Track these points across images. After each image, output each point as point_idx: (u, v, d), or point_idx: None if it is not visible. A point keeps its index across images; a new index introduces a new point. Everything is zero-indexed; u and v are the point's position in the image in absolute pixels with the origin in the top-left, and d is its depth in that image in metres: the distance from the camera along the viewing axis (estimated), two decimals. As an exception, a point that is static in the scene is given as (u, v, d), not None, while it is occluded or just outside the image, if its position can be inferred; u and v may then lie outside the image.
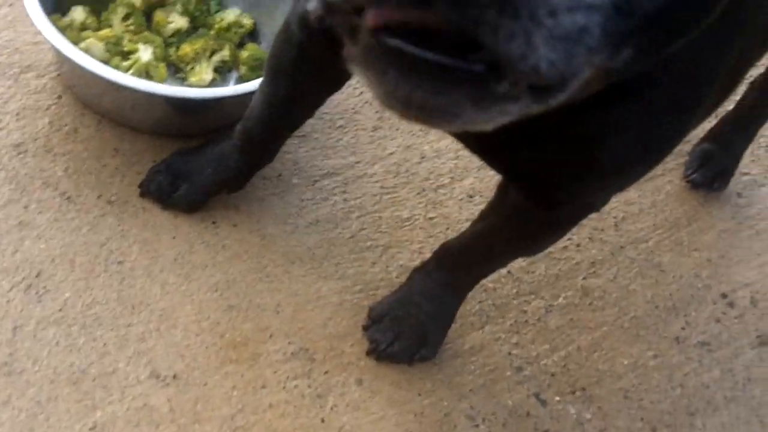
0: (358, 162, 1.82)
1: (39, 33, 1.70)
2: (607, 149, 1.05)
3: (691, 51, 0.92)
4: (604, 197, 1.29)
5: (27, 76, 1.74)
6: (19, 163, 1.62)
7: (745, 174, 2.05)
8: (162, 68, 1.72)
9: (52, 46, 1.56)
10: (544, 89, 0.66)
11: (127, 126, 1.71)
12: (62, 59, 1.65)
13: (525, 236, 1.37)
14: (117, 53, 1.69)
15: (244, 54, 1.83)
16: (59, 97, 1.72)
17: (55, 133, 1.67)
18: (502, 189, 1.35)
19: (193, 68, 1.79)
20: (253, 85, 1.63)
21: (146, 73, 1.70)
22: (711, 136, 1.98)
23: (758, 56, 1.22)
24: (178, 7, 1.85)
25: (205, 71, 1.79)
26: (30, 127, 1.67)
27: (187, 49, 1.78)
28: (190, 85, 1.77)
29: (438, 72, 0.62)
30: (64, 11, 1.75)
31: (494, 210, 1.39)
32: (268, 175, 1.74)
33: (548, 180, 1.16)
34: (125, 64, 1.68)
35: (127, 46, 1.70)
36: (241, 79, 1.82)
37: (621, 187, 1.23)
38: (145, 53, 1.70)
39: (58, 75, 1.75)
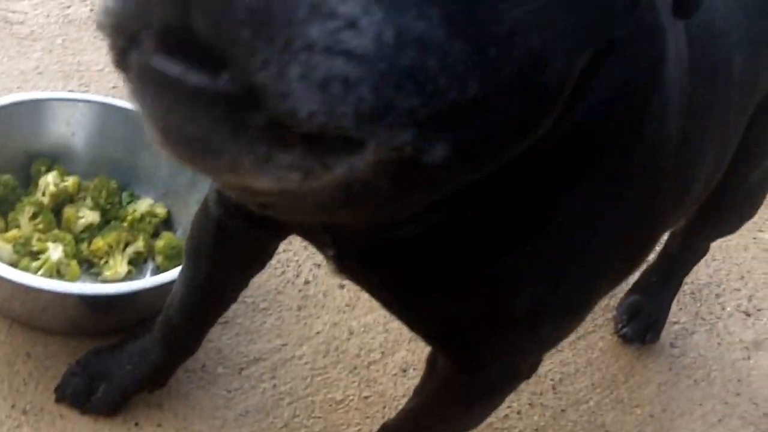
0: (285, 344, 1.76)
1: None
2: (513, 297, 1.00)
3: (590, 199, 0.91)
4: (530, 358, 1.24)
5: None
6: None
7: (675, 323, 2.04)
8: (74, 266, 1.66)
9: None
10: (325, 149, 0.60)
11: (39, 329, 1.62)
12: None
13: (459, 408, 1.31)
14: (26, 254, 1.63)
15: (160, 243, 1.78)
16: (-34, 305, 1.63)
17: (-39, 342, 1.58)
18: (431, 360, 1.31)
19: (107, 262, 1.73)
20: (171, 275, 1.58)
21: (57, 272, 1.64)
22: (637, 287, 1.98)
23: (674, 221, 1.22)
24: (88, 201, 1.80)
25: (119, 264, 1.73)
26: (-66, 338, 1.57)
27: (99, 243, 1.73)
28: (105, 280, 1.71)
29: (194, 96, 0.56)
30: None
31: (426, 384, 1.34)
32: (191, 367, 1.66)
33: (463, 335, 1.11)
34: (35, 264, 1.62)
35: (36, 246, 1.64)
36: (158, 270, 1.76)
37: (542, 344, 1.18)
38: (55, 252, 1.64)
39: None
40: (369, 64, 0.55)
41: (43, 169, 1.82)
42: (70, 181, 1.79)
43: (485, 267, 0.96)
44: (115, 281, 1.71)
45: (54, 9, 2.43)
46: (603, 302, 1.96)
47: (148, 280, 1.60)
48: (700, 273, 2.19)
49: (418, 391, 1.37)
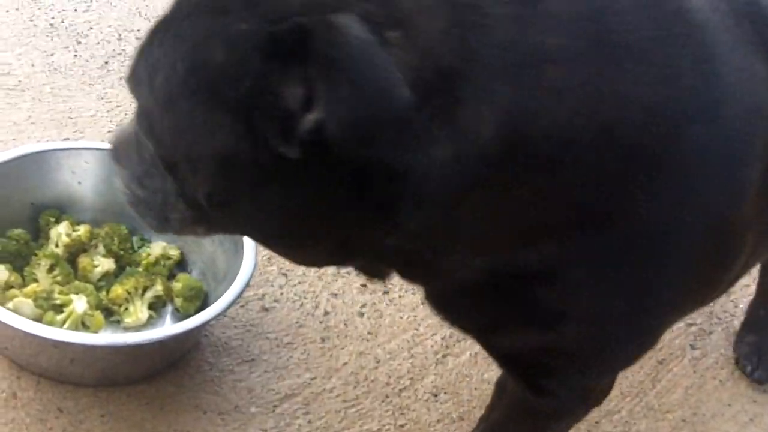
0: (314, 378, 1.74)
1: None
2: (564, 326, 1.06)
3: None
4: (597, 385, 1.25)
5: (-49, 346, 1.61)
6: (-44, 443, 1.48)
7: (691, 324, 2.06)
8: (98, 316, 1.63)
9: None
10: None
11: (68, 382, 1.59)
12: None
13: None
14: (49, 308, 1.60)
15: (178, 286, 1.75)
16: (-10, 364, 1.60)
17: (-9, 402, 1.54)
18: (500, 383, 1.30)
19: (127, 309, 1.71)
20: (199, 319, 1.58)
21: (82, 323, 1.61)
22: (750, 326, 1.98)
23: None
24: (101, 249, 1.78)
25: (140, 310, 1.71)
26: (-37, 401, 1.53)
27: (118, 290, 1.70)
28: (127, 327, 1.69)
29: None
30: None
31: (495, 408, 1.33)
32: (224, 409, 1.65)
33: (531, 361, 1.15)
34: (59, 318, 1.59)
35: (59, 299, 1.61)
36: (178, 312, 1.74)
37: (604, 369, 1.21)
38: (79, 304, 1.61)
39: (-15, 339, 1.63)
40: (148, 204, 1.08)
41: (51, 220, 1.79)
42: (82, 230, 1.76)
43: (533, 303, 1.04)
44: (136, 327, 1.69)
45: (37, 58, 2.40)
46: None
47: (176, 326, 1.58)
48: (708, 273, 2.21)
49: (485, 417, 1.36)
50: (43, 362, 1.56)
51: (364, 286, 1.95)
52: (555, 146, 0.89)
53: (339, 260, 1.06)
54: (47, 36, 2.48)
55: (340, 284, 1.94)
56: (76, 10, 2.61)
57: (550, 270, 1.00)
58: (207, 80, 0.87)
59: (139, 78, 0.95)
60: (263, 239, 1.05)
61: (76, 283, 1.67)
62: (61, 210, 1.82)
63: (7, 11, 2.55)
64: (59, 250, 1.73)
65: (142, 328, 1.69)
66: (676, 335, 2.01)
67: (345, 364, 1.79)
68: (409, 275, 1.09)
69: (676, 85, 0.95)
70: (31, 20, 2.54)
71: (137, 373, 1.63)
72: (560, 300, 1.03)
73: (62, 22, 2.55)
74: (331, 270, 1.91)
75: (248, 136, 0.85)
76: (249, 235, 1.08)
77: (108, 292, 1.71)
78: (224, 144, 0.87)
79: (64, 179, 1.83)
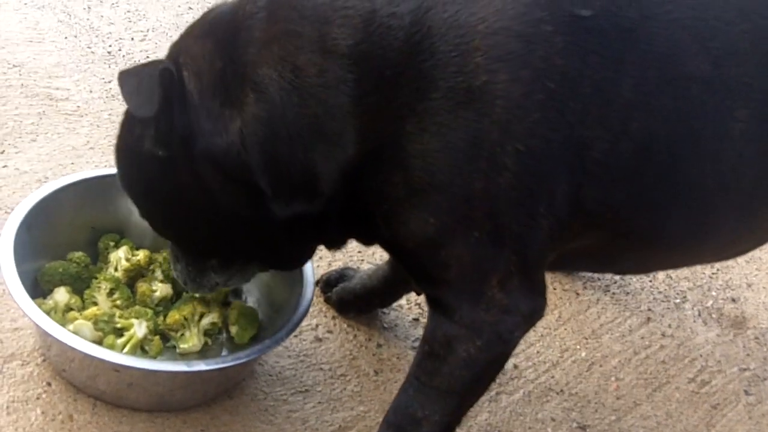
0: (367, 411, 1.74)
1: (18, 319, 1.67)
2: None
3: None
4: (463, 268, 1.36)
5: (11, 366, 1.62)
6: (15, 464, 1.48)
7: (745, 369, 2.03)
8: (157, 342, 1.64)
9: (42, 330, 1.47)
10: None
11: (124, 406, 1.60)
12: (50, 344, 1.57)
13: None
14: (110, 331, 1.61)
15: (233, 313, 1.76)
16: (48, 384, 1.61)
17: (49, 423, 1.55)
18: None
19: (182, 335, 1.71)
20: (259, 348, 1.59)
21: (141, 348, 1.62)
22: None
23: None
24: (158, 274, 1.78)
25: (195, 337, 1.71)
26: (22, 420, 1.54)
27: (175, 316, 1.71)
28: (182, 353, 1.69)
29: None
30: (45, 294, 1.67)
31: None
32: (278, 439, 1.64)
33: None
34: (120, 341, 1.60)
35: (119, 323, 1.61)
36: (232, 340, 1.75)
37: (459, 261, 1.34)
38: (140, 328, 1.62)
39: (44, 361, 1.64)
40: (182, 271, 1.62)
41: (111, 244, 1.80)
42: (141, 255, 1.77)
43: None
44: (191, 353, 1.69)
45: (96, 84, 2.43)
46: (670, 351, 1.96)
47: (236, 356, 1.57)
48: (761, 317, 2.19)
49: None
50: (101, 385, 1.57)
51: (416, 320, 1.94)
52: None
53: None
54: (105, 63, 2.51)
55: (393, 317, 1.94)
56: (132, 38, 2.65)
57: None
58: (124, 150, 1.47)
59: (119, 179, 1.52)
60: (217, 248, 1.53)
61: (137, 307, 1.67)
62: (120, 235, 1.83)
63: (66, 38, 2.59)
64: (119, 274, 1.74)
65: (196, 354, 1.70)
66: (729, 380, 1.99)
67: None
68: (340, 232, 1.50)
69: None
70: (89, 48, 2.57)
71: (193, 400, 1.63)
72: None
73: (119, 50, 2.58)
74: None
75: (145, 160, 1.40)
76: (206, 250, 1.54)
77: (165, 317, 1.72)
78: (141, 175, 1.44)
79: (124, 204, 1.83)
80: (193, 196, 1.40)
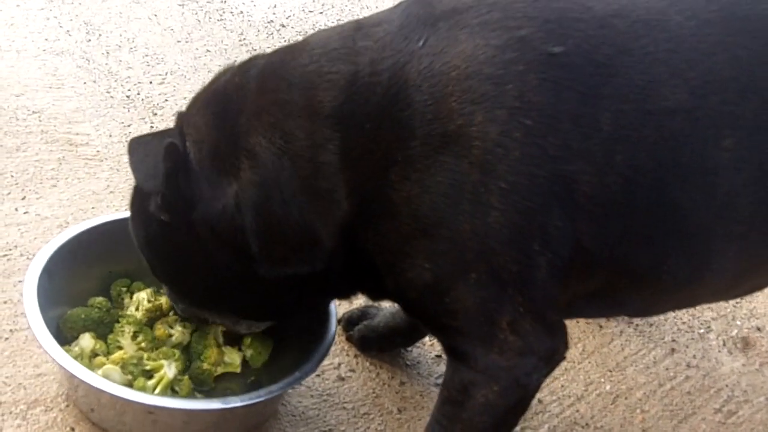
0: (392, 450, 1.73)
1: (41, 365, 1.69)
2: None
3: None
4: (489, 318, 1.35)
5: (35, 412, 1.63)
6: None
7: (772, 400, 2.01)
8: (187, 381, 1.64)
9: (74, 377, 1.48)
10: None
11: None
12: (79, 387, 1.57)
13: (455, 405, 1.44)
14: (139, 373, 1.61)
15: (247, 338, 1.78)
16: (72, 429, 1.61)
17: (73, 468, 1.55)
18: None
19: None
20: (287, 383, 1.59)
21: (171, 388, 1.63)
22: None
23: None
24: (176, 317, 1.78)
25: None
26: (46, 466, 1.54)
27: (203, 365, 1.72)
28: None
29: None
30: (68, 341, 1.67)
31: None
32: (302, 479, 1.63)
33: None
34: (151, 383, 1.60)
35: (149, 365, 1.62)
36: (247, 363, 1.77)
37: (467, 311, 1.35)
38: (170, 370, 1.63)
39: (68, 406, 1.64)
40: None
41: (123, 290, 1.81)
42: (164, 300, 1.78)
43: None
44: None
45: (115, 129, 2.46)
46: (696, 382, 1.94)
47: (269, 390, 1.58)
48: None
49: None
50: (135, 428, 1.58)
51: (439, 356, 1.94)
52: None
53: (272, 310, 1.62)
54: (124, 107, 2.54)
55: (415, 354, 1.94)
56: (151, 82, 2.67)
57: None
58: (133, 206, 1.58)
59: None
60: (199, 296, 1.62)
61: (164, 349, 1.68)
62: (136, 278, 1.84)
63: (85, 83, 2.62)
64: (139, 315, 1.74)
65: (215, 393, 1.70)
66: (756, 410, 1.98)
67: (422, 435, 1.77)
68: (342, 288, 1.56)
69: None
70: (108, 92, 2.60)
71: None
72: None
73: (138, 94, 2.61)
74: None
75: (149, 220, 1.51)
76: (192, 297, 1.64)
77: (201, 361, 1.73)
78: (145, 232, 1.55)
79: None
80: (192, 256, 1.49)
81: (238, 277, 1.49)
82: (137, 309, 1.76)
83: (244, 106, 1.40)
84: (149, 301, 1.76)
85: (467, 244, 1.29)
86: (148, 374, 1.62)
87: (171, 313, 1.80)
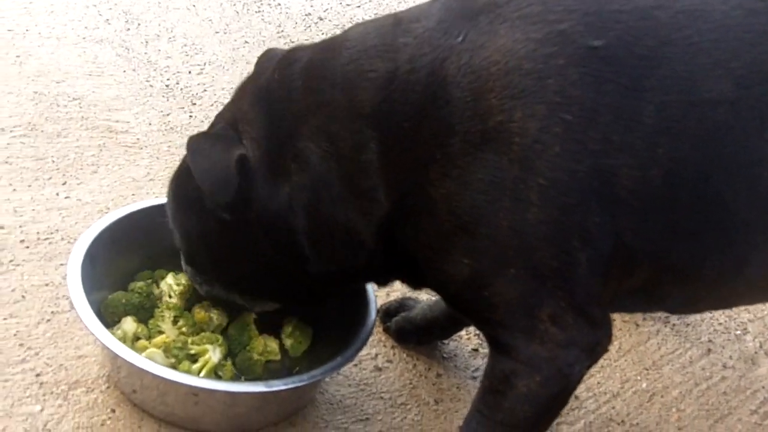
0: (428, 440, 1.73)
1: (83, 346, 1.71)
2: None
3: None
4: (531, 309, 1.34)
5: (76, 393, 1.64)
6: (82, 489, 1.49)
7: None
8: (229, 366, 1.66)
9: (115, 355, 1.49)
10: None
11: (191, 429, 1.62)
12: (120, 367, 1.59)
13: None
14: (184, 357, 1.63)
15: (287, 327, 1.80)
16: (113, 410, 1.62)
17: (114, 450, 1.56)
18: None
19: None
20: (329, 367, 1.61)
21: (215, 373, 1.64)
22: None
23: None
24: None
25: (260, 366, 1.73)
26: (88, 447, 1.55)
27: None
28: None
29: None
30: (108, 325, 1.68)
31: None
32: (340, 468, 1.64)
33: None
34: (195, 367, 1.62)
35: (193, 349, 1.63)
36: (287, 353, 1.79)
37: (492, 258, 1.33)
38: (214, 354, 1.64)
39: (108, 387, 1.65)
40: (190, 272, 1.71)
41: (149, 281, 1.81)
42: (184, 280, 1.78)
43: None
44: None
45: (155, 117, 2.47)
46: (732, 383, 1.94)
47: (311, 374, 1.59)
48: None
49: None
50: (179, 411, 1.60)
51: (476, 350, 1.94)
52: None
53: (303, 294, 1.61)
54: (163, 96, 2.55)
55: (452, 347, 1.94)
56: (190, 72, 2.69)
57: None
58: (182, 199, 1.57)
59: (170, 220, 1.63)
60: (246, 287, 1.63)
61: (208, 333, 1.69)
62: (177, 264, 1.85)
63: (124, 72, 2.64)
64: (175, 300, 1.75)
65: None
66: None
67: (459, 427, 1.76)
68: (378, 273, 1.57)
69: None
70: (148, 81, 2.62)
71: (266, 420, 1.67)
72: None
73: (177, 83, 2.62)
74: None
75: (204, 215, 1.51)
76: (238, 288, 1.64)
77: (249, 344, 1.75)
78: (196, 224, 1.55)
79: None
80: (242, 250, 1.51)
81: (285, 271, 1.51)
82: (170, 296, 1.77)
83: (292, 106, 1.41)
84: (178, 285, 1.76)
85: (506, 241, 1.29)
86: (192, 358, 1.63)
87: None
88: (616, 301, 1.44)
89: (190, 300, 1.79)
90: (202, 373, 1.61)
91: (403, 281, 1.58)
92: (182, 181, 1.57)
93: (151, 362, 1.50)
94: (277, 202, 1.43)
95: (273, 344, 1.77)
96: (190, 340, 1.65)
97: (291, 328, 1.79)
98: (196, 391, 1.51)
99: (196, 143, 1.46)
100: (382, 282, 1.62)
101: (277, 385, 1.55)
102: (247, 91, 1.50)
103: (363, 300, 1.73)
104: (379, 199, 1.37)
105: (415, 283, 1.56)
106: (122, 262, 1.80)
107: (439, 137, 1.30)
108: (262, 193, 1.43)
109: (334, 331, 1.73)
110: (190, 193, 1.52)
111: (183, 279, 1.78)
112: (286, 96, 1.42)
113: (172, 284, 1.78)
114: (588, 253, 1.30)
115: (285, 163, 1.41)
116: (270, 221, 1.45)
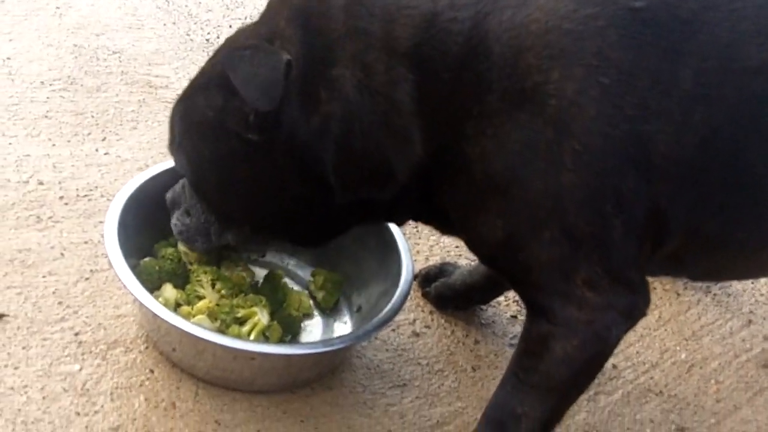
0: (465, 408, 1.72)
1: (121, 306, 1.71)
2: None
3: None
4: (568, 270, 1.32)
5: (115, 353, 1.65)
6: (121, 450, 1.50)
7: None
8: (276, 326, 1.66)
9: (155, 316, 1.51)
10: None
11: (232, 388, 1.63)
12: (158, 326, 1.60)
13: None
14: (231, 321, 1.62)
15: (318, 279, 1.81)
16: (151, 371, 1.63)
17: (152, 410, 1.57)
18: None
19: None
20: (373, 324, 1.62)
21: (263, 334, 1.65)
22: None
23: None
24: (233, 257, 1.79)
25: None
26: (126, 407, 1.56)
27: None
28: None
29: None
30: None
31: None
32: (377, 433, 1.64)
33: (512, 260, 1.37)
34: (245, 329, 1.61)
35: (241, 312, 1.63)
36: (320, 305, 1.81)
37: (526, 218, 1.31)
38: (263, 316, 1.64)
39: (147, 348, 1.66)
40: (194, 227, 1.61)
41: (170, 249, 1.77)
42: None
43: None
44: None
45: (195, 72, 2.43)
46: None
47: (365, 330, 1.62)
48: None
49: None
50: (233, 375, 1.61)
51: (514, 317, 1.92)
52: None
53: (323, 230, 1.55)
54: (203, 51, 2.53)
55: (490, 313, 1.92)
56: (231, 26, 2.66)
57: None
58: (193, 120, 1.47)
59: (170, 145, 1.55)
60: (263, 224, 1.54)
61: (251, 295, 1.69)
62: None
63: (165, 25, 2.62)
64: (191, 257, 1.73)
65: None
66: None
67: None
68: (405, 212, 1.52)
69: None
70: (188, 35, 2.60)
71: (312, 379, 1.69)
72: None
73: (218, 37, 2.60)
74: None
75: (225, 136, 1.41)
76: (253, 223, 1.55)
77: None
78: (213, 149, 1.44)
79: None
80: (260, 174, 1.43)
81: (305, 201, 1.46)
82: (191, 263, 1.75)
83: (330, 29, 1.34)
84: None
85: (540, 203, 1.27)
86: (239, 321, 1.63)
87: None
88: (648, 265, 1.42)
89: (219, 263, 1.78)
90: (252, 336, 1.61)
91: (428, 224, 1.55)
92: (199, 99, 1.47)
93: (207, 330, 1.52)
94: (306, 129, 1.36)
95: (306, 299, 1.79)
96: (234, 302, 1.64)
97: (322, 280, 1.80)
98: (254, 355, 1.54)
99: (234, 53, 1.37)
100: (399, 222, 1.60)
101: (336, 344, 1.59)
102: (284, 6, 1.40)
103: (398, 260, 1.73)
104: (412, 141, 1.34)
105: (444, 231, 1.54)
106: (158, 224, 1.78)
107: (477, 93, 1.27)
108: (294, 116, 1.36)
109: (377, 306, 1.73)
110: (209, 112, 1.42)
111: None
112: (325, 17, 1.35)
113: (184, 249, 1.76)
114: (622, 219, 1.28)
115: (319, 89, 1.34)
116: (297, 147, 1.38)
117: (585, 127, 1.23)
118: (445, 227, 1.52)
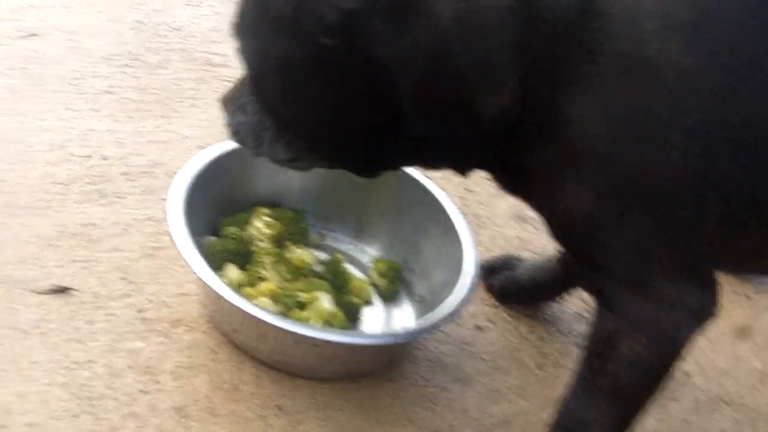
0: (529, 407, 1.68)
1: (184, 284, 1.69)
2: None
3: None
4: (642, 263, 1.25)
5: (178, 331, 1.61)
6: (183, 430, 1.46)
7: None
8: (339, 313, 1.61)
9: (219, 296, 1.47)
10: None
11: (294, 374, 1.60)
12: (221, 306, 1.57)
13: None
14: (293, 305, 1.59)
15: (379, 267, 1.78)
16: (214, 352, 1.59)
17: (215, 391, 1.53)
18: None
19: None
20: (441, 312, 1.58)
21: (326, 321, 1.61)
22: None
23: None
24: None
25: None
26: (188, 387, 1.52)
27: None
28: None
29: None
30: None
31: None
32: (438, 428, 1.59)
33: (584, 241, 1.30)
34: (305, 314, 1.58)
35: (302, 297, 1.59)
36: (381, 293, 1.78)
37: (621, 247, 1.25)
38: (326, 301, 1.60)
39: (210, 327, 1.62)
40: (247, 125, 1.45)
41: (235, 228, 1.76)
42: (279, 223, 1.76)
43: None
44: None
45: (254, 52, 2.41)
46: None
47: (433, 321, 1.57)
48: None
49: None
50: (296, 360, 1.58)
51: (580, 315, 1.87)
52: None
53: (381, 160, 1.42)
54: (264, 32, 2.49)
55: (556, 309, 1.88)
56: (291, 8, 2.62)
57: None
58: (268, 13, 1.29)
59: (236, 27, 1.39)
60: (321, 139, 1.39)
61: (314, 280, 1.65)
62: (275, 203, 1.82)
63: (222, 1, 2.59)
64: (266, 245, 1.71)
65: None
66: None
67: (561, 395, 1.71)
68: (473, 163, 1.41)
69: None
70: (249, 15, 2.56)
71: (375, 367, 1.66)
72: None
73: (278, 19, 2.56)
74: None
75: (299, 38, 1.26)
76: (311, 137, 1.40)
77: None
78: (283, 49, 1.28)
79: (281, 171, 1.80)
80: (327, 88, 1.30)
81: (369, 124, 1.32)
82: (261, 241, 1.72)
83: None
84: (268, 227, 1.73)
85: (638, 179, 1.18)
86: (301, 305, 1.59)
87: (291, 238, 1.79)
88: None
89: (281, 244, 1.75)
90: (315, 321, 1.57)
91: (496, 180, 1.44)
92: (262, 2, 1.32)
93: (273, 315, 1.48)
94: (388, 49, 1.22)
95: (366, 285, 1.76)
96: (298, 286, 1.60)
97: (384, 267, 1.77)
98: (318, 342, 1.49)
99: None
100: (464, 170, 1.44)
101: (404, 336, 1.54)
102: None
103: (460, 249, 1.69)
104: (502, 93, 1.23)
105: (511, 190, 1.42)
106: (220, 202, 1.76)
107: (585, 52, 1.17)
108: (377, 28, 1.22)
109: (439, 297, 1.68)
110: (286, 8, 1.26)
111: (275, 223, 1.74)
112: None
113: (261, 227, 1.73)
114: (722, 207, 1.20)
115: (410, 10, 1.21)
116: (373, 65, 1.24)
117: (700, 106, 1.14)
118: (514, 187, 1.41)
